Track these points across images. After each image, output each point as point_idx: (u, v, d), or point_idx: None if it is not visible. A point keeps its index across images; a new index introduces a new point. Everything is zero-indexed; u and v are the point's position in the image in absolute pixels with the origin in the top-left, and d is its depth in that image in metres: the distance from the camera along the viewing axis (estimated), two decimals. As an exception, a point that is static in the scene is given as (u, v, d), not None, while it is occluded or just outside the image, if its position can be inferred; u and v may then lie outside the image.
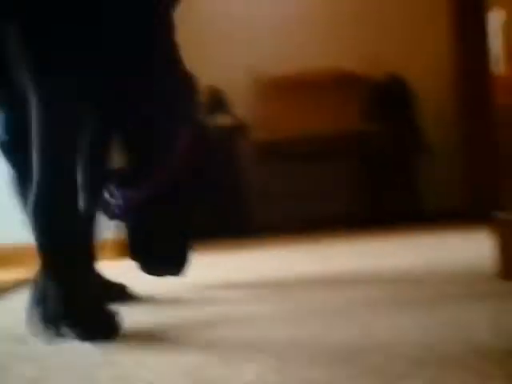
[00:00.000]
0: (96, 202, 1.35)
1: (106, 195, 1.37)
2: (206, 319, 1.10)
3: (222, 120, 4.00)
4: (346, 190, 4.02)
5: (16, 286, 1.79)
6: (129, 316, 1.02)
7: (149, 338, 0.90)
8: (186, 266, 1.39)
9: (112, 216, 1.37)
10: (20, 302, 1.05)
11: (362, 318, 0.94)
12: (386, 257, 1.91)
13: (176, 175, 1.34)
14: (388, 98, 3.82)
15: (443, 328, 0.84)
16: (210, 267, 2.03)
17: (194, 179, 1.37)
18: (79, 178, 1.13)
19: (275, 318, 1.05)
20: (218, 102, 4.04)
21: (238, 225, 3.87)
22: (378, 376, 0.61)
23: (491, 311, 0.94)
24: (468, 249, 1.89)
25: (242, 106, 4.06)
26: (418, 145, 3.81)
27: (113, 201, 1.36)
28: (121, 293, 1.40)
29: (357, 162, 3.94)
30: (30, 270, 1.34)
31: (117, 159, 1.41)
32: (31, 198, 0.95)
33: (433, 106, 3.91)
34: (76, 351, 0.85)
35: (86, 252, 1.05)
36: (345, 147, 3.84)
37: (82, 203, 1.06)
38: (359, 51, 3.82)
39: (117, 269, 1.66)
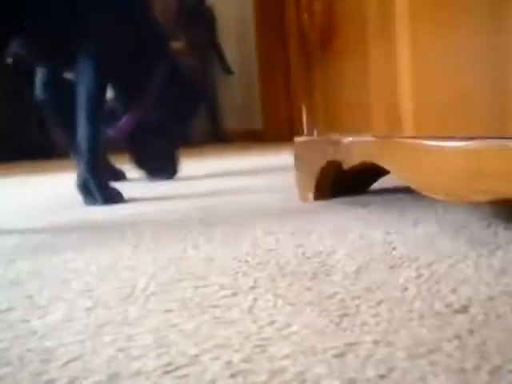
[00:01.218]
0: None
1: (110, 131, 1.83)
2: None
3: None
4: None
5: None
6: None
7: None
8: (177, 172, 1.94)
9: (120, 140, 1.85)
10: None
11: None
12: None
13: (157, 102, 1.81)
14: (195, 20, 3.87)
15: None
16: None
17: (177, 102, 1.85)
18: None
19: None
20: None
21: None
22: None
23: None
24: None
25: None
26: (220, 67, 3.91)
27: (114, 131, 1.83)
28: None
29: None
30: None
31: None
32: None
33: (235, 32, 4.02)
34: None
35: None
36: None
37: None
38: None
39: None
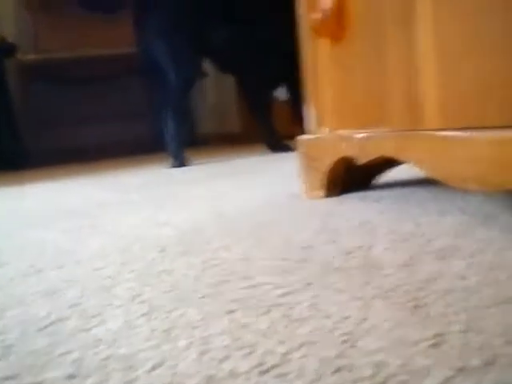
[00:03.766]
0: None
1: None
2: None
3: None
4: (125, 113, 3.89)
5: None
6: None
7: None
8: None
9: None
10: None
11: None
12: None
13: None
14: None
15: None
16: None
17: None
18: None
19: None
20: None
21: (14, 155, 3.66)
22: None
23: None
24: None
25: (8, 22, 3.85)
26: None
27: None
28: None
29: (133, 85, 3.71)
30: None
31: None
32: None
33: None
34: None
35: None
36: (119, 69, 3.57)
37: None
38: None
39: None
